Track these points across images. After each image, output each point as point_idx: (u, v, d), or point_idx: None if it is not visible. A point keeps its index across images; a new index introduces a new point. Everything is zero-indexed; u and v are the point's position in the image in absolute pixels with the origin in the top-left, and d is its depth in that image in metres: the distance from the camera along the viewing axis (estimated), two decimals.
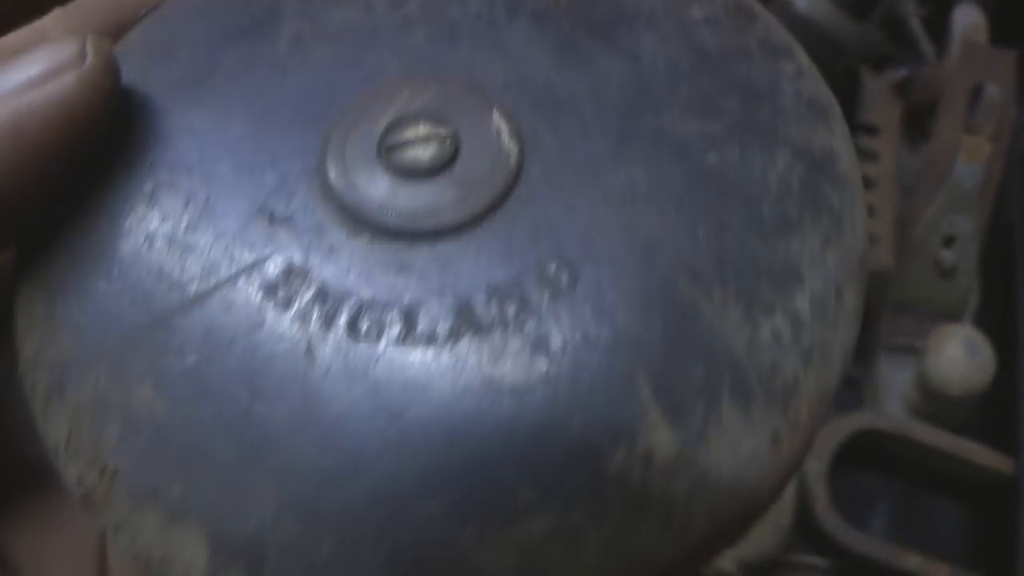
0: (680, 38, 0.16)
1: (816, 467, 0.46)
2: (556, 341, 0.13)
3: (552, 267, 0.14)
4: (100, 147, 0.15)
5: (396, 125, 0.16)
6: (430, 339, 0.14)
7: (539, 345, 0.13)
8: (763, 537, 0.43)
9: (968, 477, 0.48)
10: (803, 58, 0.17)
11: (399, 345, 0.14)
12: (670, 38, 0.16)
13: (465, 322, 0.14)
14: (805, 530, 0.47)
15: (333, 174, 0.15)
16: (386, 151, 0.15)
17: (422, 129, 0.15)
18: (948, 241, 0.49)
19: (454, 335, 0.14)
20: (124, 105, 0.16)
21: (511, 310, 0.14)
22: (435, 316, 0.14)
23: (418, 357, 0.14)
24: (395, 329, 0.14)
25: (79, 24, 0.16)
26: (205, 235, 0.15)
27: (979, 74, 0.51)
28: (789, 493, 0.43)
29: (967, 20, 0.53)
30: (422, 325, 0.14)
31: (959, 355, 0.46)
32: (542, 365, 0.13)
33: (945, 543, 0.49)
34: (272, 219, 0.15)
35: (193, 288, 0.14)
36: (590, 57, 0.16)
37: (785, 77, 0.16)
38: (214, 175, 0.15)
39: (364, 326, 0.14)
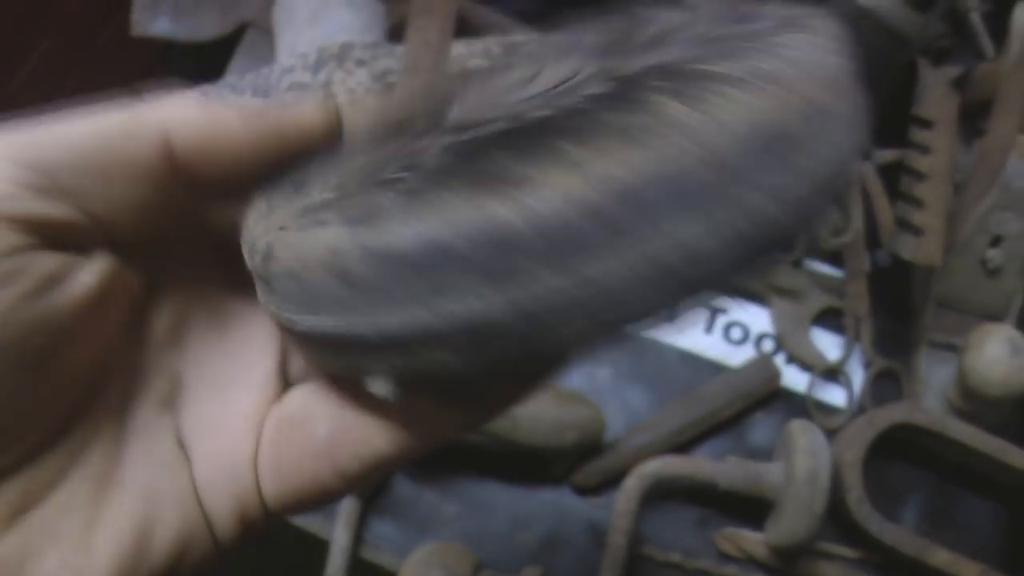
0: None
1: (851, 457, 0.46)
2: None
3: None
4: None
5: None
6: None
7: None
8: (796, 524, 0.43)
9: (1002, 477, 0.48)
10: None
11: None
12: None
13: None
14: (836, 519, 0.47)
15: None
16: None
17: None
18: (996, 240, 0.49)
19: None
20: None
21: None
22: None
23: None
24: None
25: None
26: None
27: None
28: (823, 481, 0.43)
29: None
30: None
31: (1001, 355, 0.46)
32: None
33: (975, 541, 0.49)
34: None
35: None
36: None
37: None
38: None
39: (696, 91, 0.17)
